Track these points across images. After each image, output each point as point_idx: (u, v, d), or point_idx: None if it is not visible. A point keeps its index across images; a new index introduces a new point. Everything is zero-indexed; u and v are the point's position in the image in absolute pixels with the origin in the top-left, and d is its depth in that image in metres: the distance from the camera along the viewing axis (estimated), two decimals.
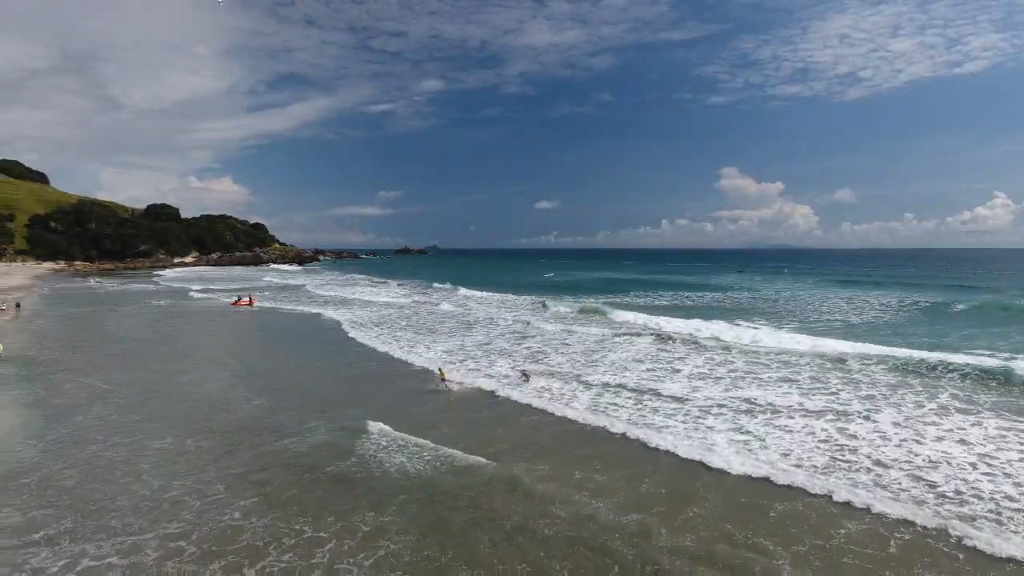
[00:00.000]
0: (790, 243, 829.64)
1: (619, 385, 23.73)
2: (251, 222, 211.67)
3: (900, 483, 13.89)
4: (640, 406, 20.81)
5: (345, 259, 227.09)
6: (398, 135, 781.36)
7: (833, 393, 22.16)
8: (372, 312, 51.16)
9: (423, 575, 9.96)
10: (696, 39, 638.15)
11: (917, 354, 27.44)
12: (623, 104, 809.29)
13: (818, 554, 10.68)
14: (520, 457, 15.77)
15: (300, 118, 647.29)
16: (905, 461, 15.26)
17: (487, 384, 23.85)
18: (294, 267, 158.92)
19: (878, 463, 15.16)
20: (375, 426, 17.98)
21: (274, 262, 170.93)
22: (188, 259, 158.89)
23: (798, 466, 14.93)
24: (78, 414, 20.70)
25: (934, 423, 18.37)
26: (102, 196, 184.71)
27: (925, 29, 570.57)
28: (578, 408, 20.59)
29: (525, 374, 24.69)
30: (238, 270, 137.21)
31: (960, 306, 49.72)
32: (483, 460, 15.39)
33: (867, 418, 18.96)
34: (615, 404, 21.13)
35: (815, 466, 14.97)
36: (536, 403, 21.12)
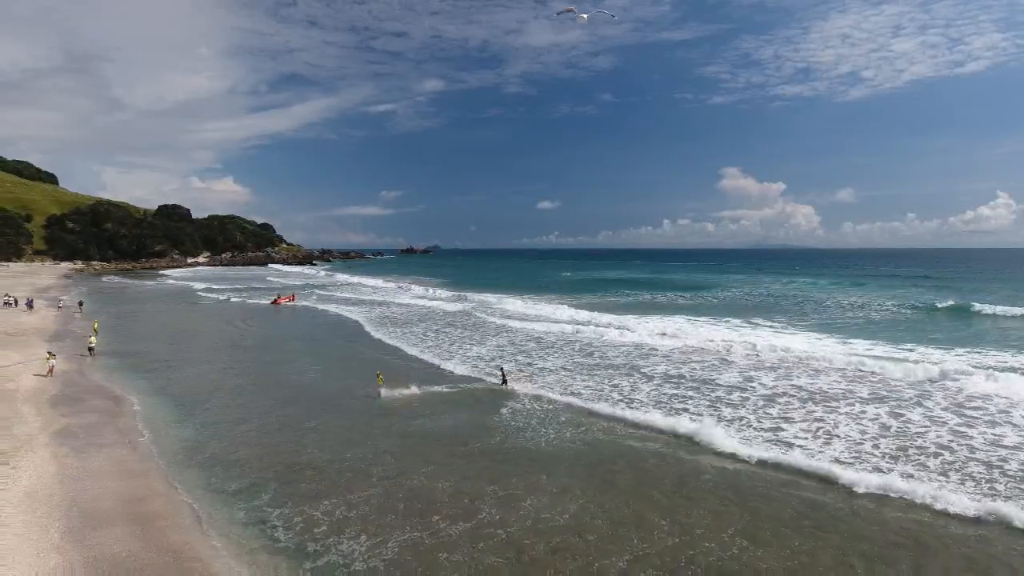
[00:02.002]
0: (792, 243, 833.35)
1: (679, 376, 25.87)
2: (258, 222, 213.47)
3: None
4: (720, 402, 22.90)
5: (354, 259, 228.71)
6: (400, 135, 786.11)
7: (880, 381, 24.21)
8: (424, 317, 53.11)
9: (622, 520, 11.91)
10: (697, 39, 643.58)
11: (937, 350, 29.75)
12: (624, 104, 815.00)
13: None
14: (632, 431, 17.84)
15: (302, 118, 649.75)
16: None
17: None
18: (307, 268, 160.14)
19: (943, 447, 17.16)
20: (505, 408, 20.06)
21: (285, 263, 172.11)
22: (201, 259, 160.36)
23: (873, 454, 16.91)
24: (210, 399, 22.54)
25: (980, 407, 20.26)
26: (104, 196, 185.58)
27: (927, 29, 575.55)
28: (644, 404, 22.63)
29: (503, 375, 24.33)
30: (256, 270, 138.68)
31: (964, 305, 51.93)
32: (615, 434, 17.46)
33: (919, 403, 20.86)
34: (679, 395, 23.12)
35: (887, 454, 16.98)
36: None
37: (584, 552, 10.73)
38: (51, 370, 26.21)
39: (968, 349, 30.49)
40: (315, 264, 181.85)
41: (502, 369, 25.07)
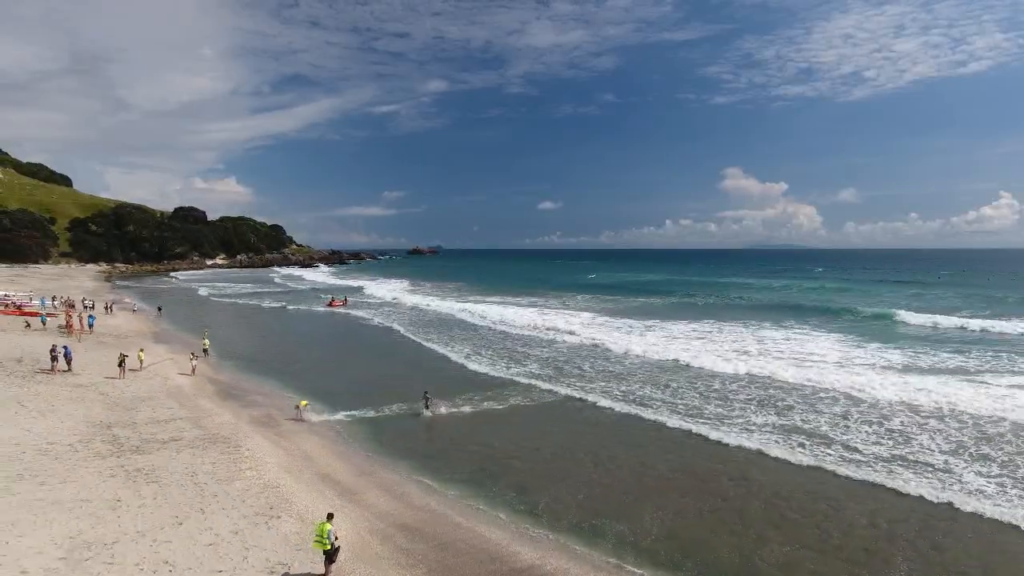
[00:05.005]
0: (795, 243, 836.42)
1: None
2: (267, 224, 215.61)
3: None
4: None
5: (363, 260, 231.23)
6: (402, 135, 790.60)
7: None
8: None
9: (851, 489, 15.61)
10: (700, 39, 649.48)
11: None
12: (626, 104, 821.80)
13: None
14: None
15: (305, 119, 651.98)
16: None
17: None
18: (315, 271, 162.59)
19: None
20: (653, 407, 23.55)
21: (303, 265, 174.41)
22: (219, 260, 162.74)
23: None
24: (368, 399, 25.05)
25: None
26: (107, 197, 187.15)
27: (929, 29, 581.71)
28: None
29: (427, 399, 23.73)
30: (263, 272, 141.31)
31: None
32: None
33: None
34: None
35: None
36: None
37: (831, 512, 14.43)
38: (194, 369, 29.32)
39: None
40: (326, 266, 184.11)
41: (426, 393, 24.05)
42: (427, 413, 23.15)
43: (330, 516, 11.78)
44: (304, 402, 23.18)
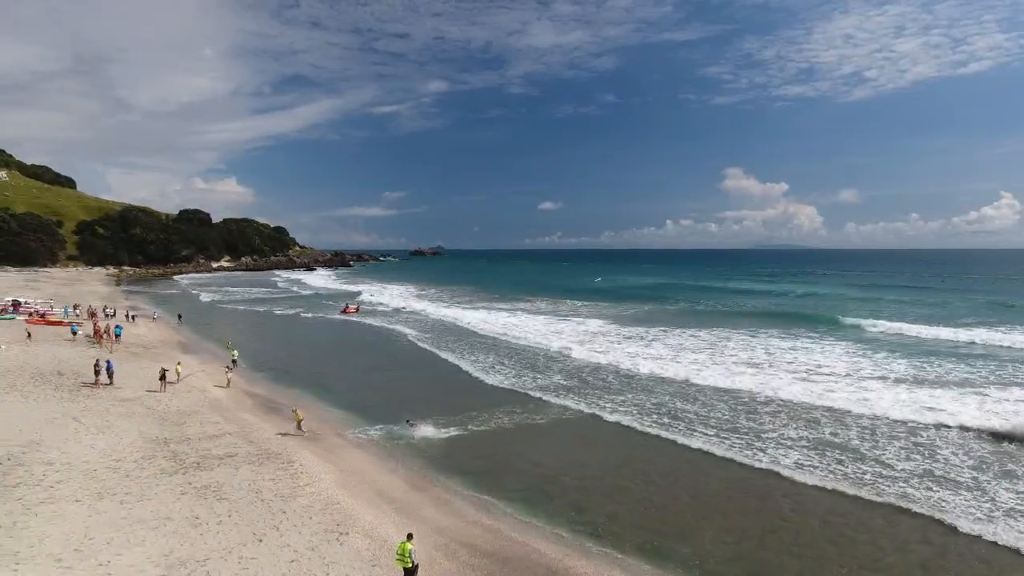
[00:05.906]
0: (795, 243, 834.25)
1: None
2: (271, 225, 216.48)
3: None
4: None
5: (366, 261, 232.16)
6: (402, 136, 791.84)
7: None
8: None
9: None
10: (700, 40, 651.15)
11: None
12: (627, 105, 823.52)
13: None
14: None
15: (305, 119, 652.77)
16: None
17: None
18: (320, 273, 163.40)
19: None
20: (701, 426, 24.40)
21: (307, 268, 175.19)
22: (224, 263, 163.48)
23: None
24: (401, 411, 25.81)
25: None
26: (107, 197, 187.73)
27: (930, 29, 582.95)
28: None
29: (410, 423, 23.99)
30: (266, 275, 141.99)
31: None
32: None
33: None
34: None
35: None
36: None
37: (885, 527, 15.28)
38: (229, 382, 30.10)
39: None
40: (324, 269, 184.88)
41: (408, 420, 24.26)
42: (414, 432, 23.23)
43: (410, 536, 12.59)
44: (301, 416, 23.32)
